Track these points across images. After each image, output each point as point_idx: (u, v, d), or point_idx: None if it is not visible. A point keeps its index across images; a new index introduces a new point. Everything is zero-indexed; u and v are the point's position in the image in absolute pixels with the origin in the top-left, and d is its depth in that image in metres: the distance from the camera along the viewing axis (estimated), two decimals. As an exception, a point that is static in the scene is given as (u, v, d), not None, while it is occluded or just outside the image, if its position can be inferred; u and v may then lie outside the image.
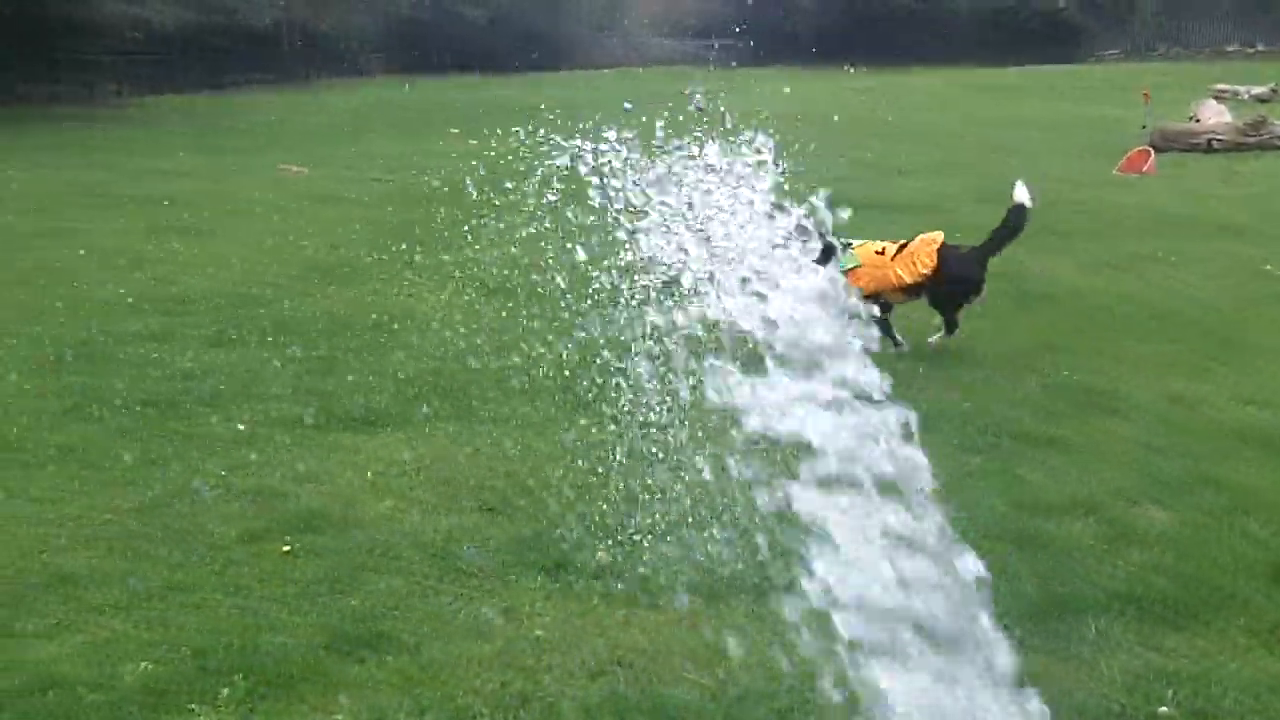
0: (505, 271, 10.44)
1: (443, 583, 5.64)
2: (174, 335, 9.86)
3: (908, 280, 9.31)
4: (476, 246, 11.13)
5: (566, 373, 7.82)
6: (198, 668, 4.87)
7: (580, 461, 6.67)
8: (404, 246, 12.59)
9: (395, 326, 10.07)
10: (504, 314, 10.03)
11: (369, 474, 6.93)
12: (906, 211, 15.34)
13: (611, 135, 4.08)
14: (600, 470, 6.41)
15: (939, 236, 9.44)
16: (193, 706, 4.58)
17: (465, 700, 4.66)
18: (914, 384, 8.27)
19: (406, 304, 10.93)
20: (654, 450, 5.48)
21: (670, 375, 4.29)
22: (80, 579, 5.68)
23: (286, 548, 5.94)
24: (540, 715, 4.58)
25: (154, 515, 6.36)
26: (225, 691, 4.67)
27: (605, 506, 6.05)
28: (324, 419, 7.84)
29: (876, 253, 9.38)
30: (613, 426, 6.07)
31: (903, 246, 9.39)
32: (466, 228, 8.72)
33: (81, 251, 13.62)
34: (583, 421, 7.29)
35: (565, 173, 4.18)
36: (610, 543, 5.83)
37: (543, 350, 8.23)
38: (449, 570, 5.77)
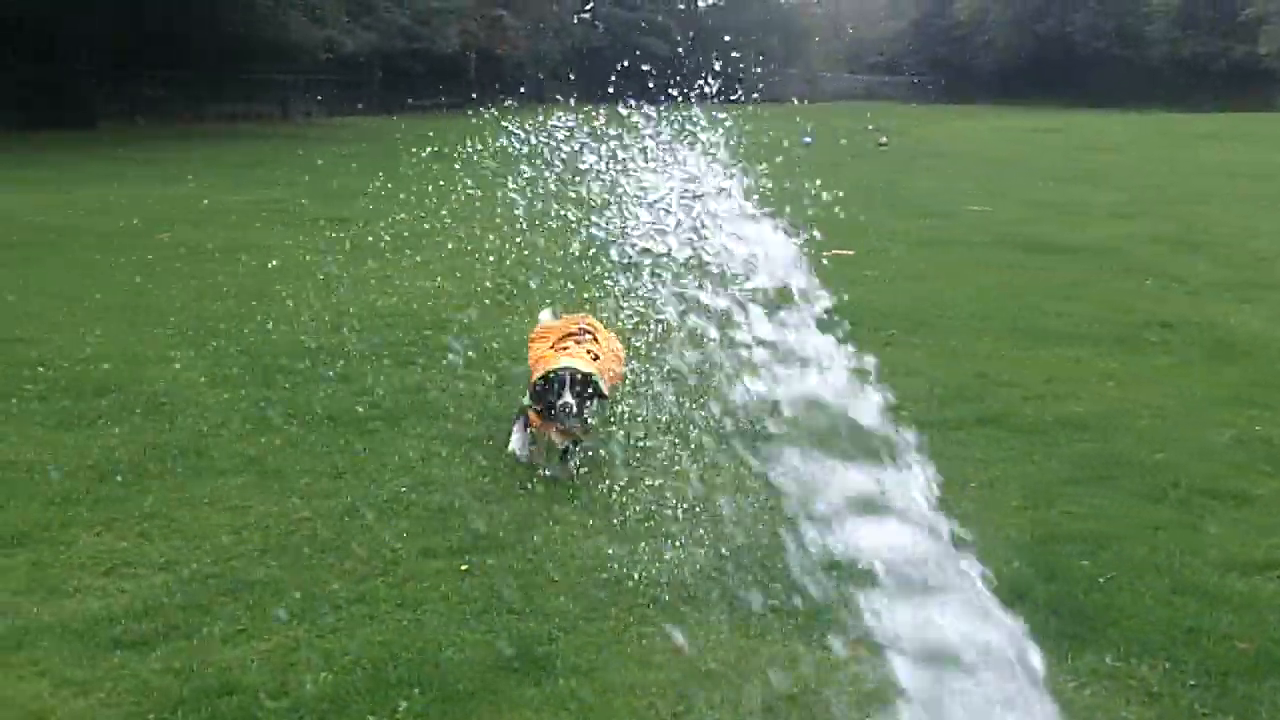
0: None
1: (616, 607, 5.64)
2: (361, 352, 10.07)
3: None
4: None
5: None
6: (375, 680, 4.94)
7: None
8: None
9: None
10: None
11: (545, 496, 6.99)
12: (1082, 254, 14.99)
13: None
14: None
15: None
16: (370, 718, 4.65)
17: (637, 727, 4.65)
18: (1101, 429, 8.05)
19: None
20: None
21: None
22: (263, 587, 5.82)
23: (464, 566, 6.01)
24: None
25: (336, 528, 6.50)
26: (403, 705, 4.73)
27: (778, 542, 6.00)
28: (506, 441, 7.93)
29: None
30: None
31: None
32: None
33: (272, 264, 14.04)
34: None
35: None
36: (780, 578, 5.77)
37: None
38: (622, 594, 5.78)
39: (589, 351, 7.48)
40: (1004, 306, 11.66)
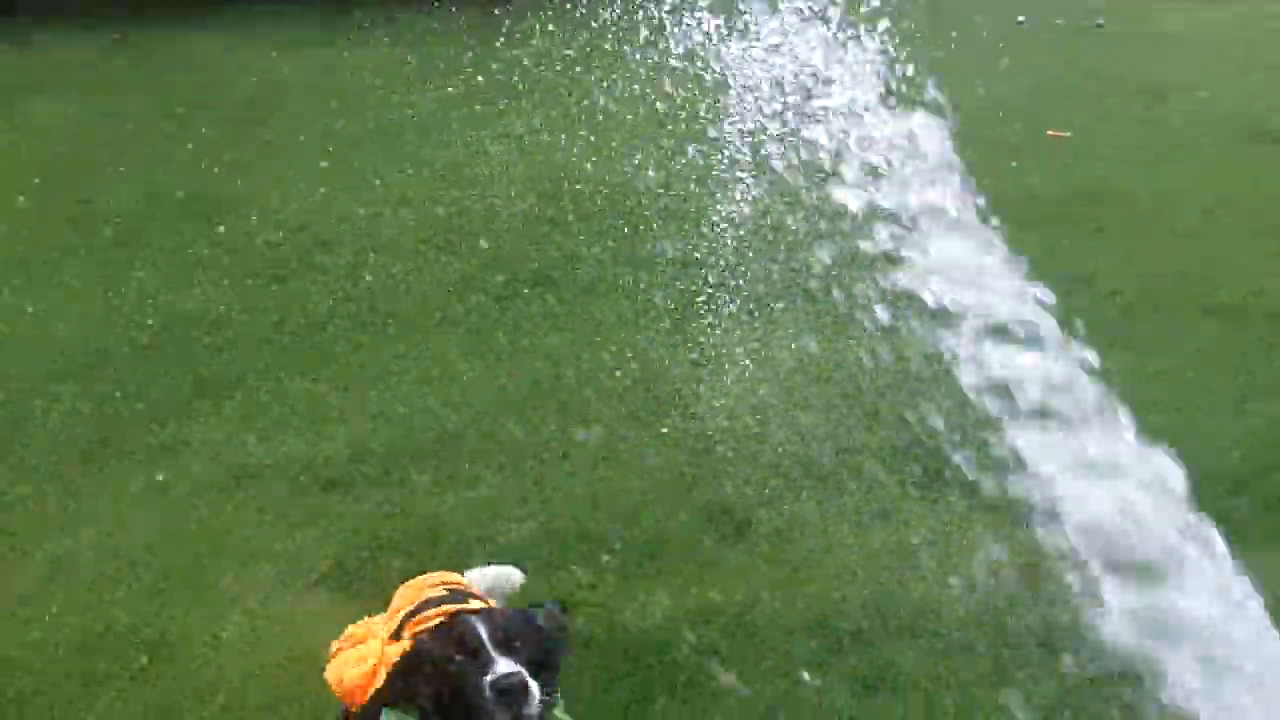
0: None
1: (815, 481, 5.60)
2: (560, 219, 10.08)
3: None
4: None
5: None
6: (579, 533, 5.03)
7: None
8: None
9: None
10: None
11: (747, 366, 6.95)
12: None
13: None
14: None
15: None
16: (574, 568, 4.74)
17: (837, 595, 4.64)
18: None
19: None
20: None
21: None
22: (468, 439, 5.94)
23: (665, 429, 6.03)
24: (911, 620, 4.50)
25: (538, 388, 6.56)
26: (605, 558, 4.80)
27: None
28: (706, 304, 7.91)
29: None
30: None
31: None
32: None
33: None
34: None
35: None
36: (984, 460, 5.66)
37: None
38: (818, 469, 5.73)
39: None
40: (1232, 194, 11.12)
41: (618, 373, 6.70)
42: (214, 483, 5.53)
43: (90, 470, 5.70)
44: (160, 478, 5.55)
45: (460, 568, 4.06)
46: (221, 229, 9.08)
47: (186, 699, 4.14)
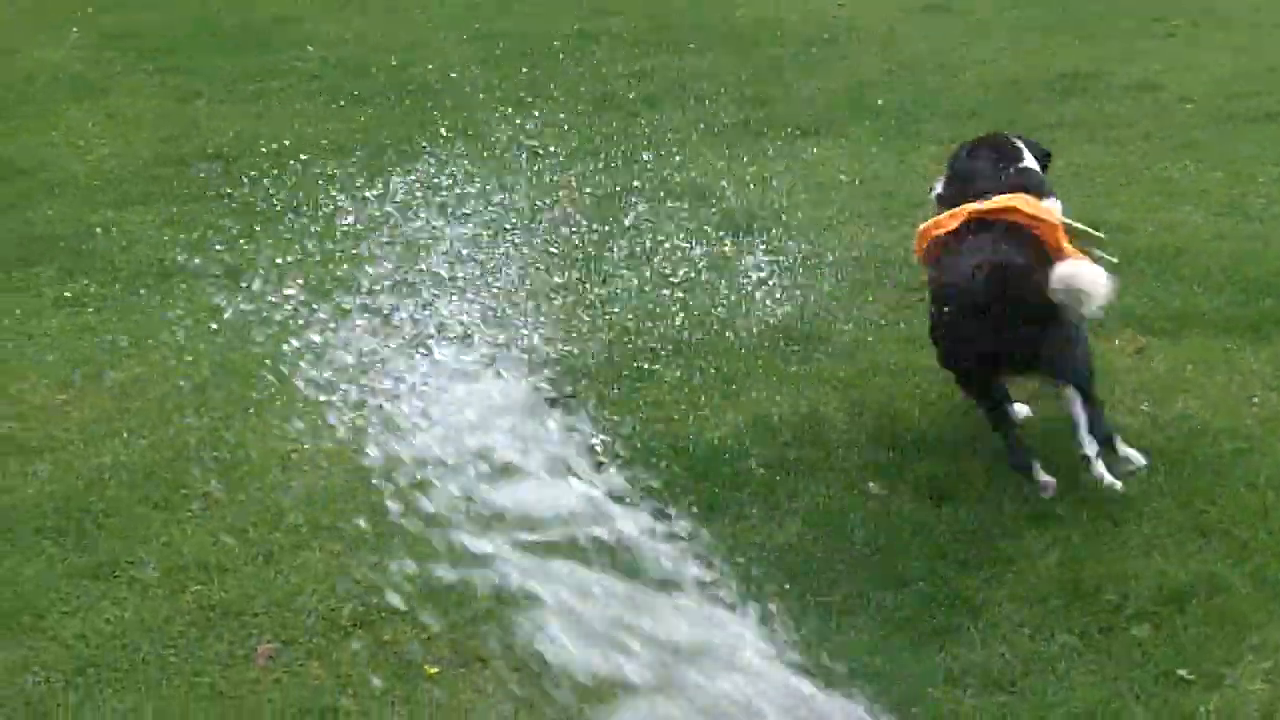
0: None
1: (880, 291, 5.55)
2: (608, 37, 9.90)
3: None
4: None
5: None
6: (640, 349, 5.03)
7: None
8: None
9: (840, 39, 9.79)
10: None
11: (807, 181, 6.86)
12: None
13: None
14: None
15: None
16: (638, 386, 4.74)
17: (901, 405, 4.62)
18: None
19: (840, 16, 10.58)
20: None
21: None
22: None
23: (727, 246, 5.97)
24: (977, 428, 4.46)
25: (598, 207, 6.49)
26: (669, 377, 4.81)
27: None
28: (761, 126, 7.78)
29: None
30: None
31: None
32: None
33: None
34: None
35: None
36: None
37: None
38: (882, 281, 5.68)
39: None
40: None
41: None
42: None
43: (158, 294, 5.71)
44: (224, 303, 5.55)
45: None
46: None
47: (257, 520, 4.16)
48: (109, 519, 4.17)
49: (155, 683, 3.42)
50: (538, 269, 5.71)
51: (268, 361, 4.97)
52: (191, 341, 5.27)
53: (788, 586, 3.59)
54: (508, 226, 5.95)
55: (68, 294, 5.75)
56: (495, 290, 5.35)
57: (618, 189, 6.67)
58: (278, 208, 6.51)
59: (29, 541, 4.04)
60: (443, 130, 7.57)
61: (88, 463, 4.47)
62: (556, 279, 5.68)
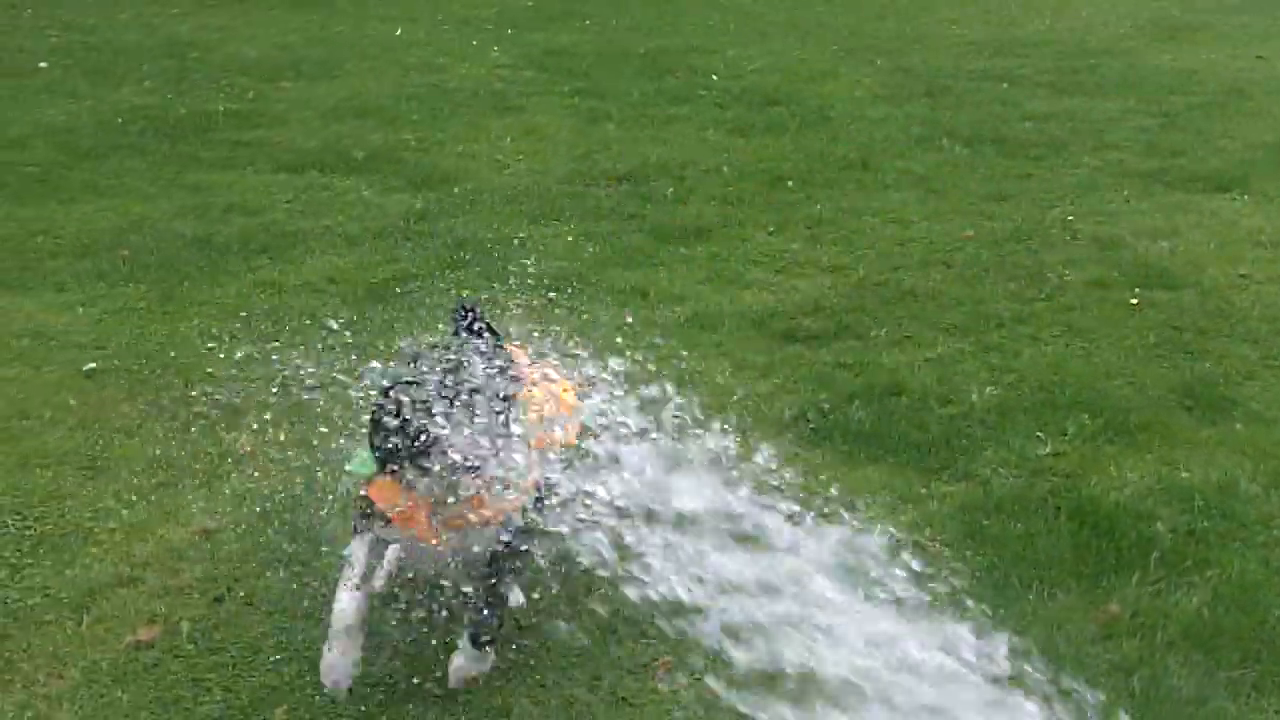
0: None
1: (1296, 358, 5.28)
2: (1018, 77, 9.80)
3: None
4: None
5: None
6: (1042, 400, 4.91)
7: None
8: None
9: (1243, 91, 9.39)
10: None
11: (1219, 238, 6.59)
12: None
13: None
14: None
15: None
16: (1039, 435, 4.63)
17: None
18: None
19: (1259, 67, 10.14)
20: None
21: None
22: (928, 299, 5.90)
23: (1133, 300, 5.80)
24: None
25: (999, 249, 6.46)
26: (1071, 429, 4.67)
27: None
28: (1172, 176, 7.53)
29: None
30: None
31: None
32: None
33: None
34: None
35: None
36: None
37: None
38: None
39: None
40: None
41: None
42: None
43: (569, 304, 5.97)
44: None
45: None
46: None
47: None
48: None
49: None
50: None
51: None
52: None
53: (1196, 658, 3.47)
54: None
55: (485, 296, 6.10)
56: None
57: (1010, 237, 6.59)
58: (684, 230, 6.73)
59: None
60: (840, 162, 7.69)
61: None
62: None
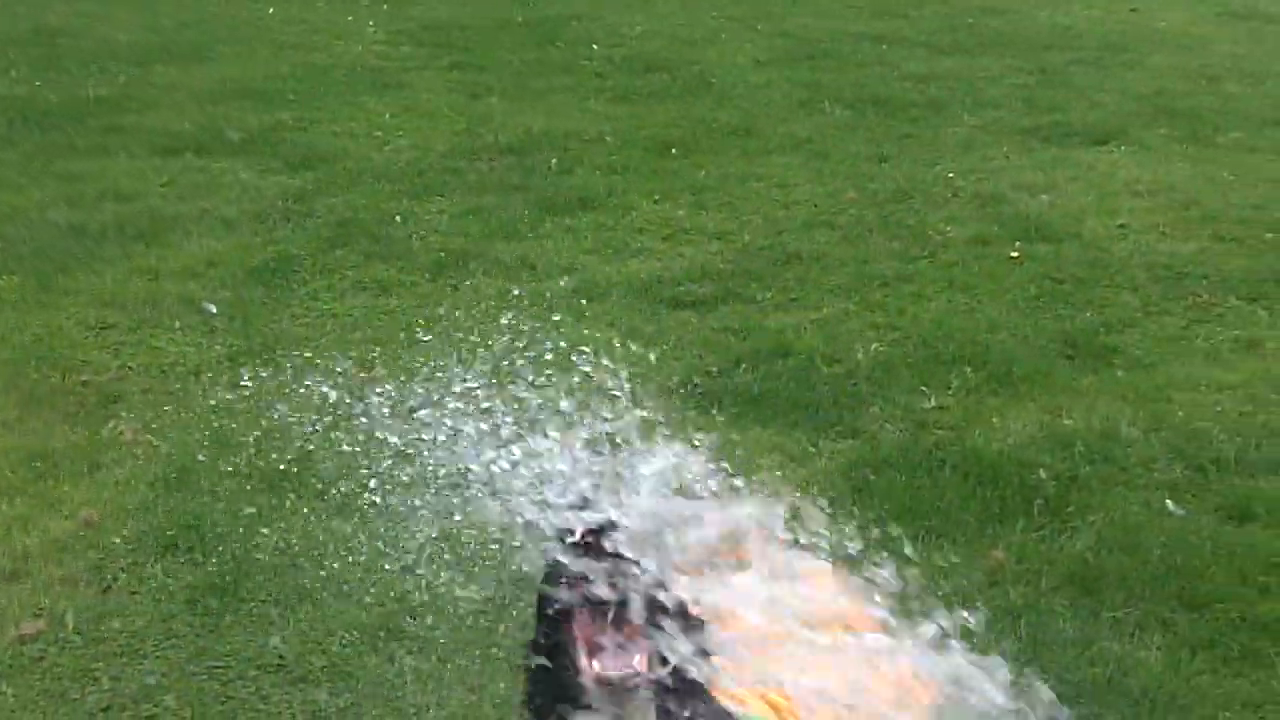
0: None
1: (1177, 306, 5.38)
2: (899, 39, 9.86)
3: None
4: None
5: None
6: (927, 356, 4.96)
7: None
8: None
9: (1119, 45, 9.55)
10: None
11: (1097, 190, 6.70)
12: None
13: None
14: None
15: None
16: (923, 389, 4.68)
17: (1201, 425, 4.44)
18: None
19: (1133, 20, 10.31)
20: None
21: None
22: (813, 261, 5.93)
23: (1014, 254, 5.88)
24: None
25: (882, 209, 6.49)
26: (955, 382, 4.73)
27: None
28: (1050, 131, 7.63)
29: None
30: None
31: None
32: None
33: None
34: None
35: None
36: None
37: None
38: (1182, 295, 5.49)
39: None
40: None
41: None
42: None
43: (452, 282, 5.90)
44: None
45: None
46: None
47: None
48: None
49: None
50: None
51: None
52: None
53: (1081, 600, 3.53)
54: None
55: (368, 278, 6.00)
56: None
57: (892, 197, 6.63)
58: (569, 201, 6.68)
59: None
60: (723, 128, 7.69)
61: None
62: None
